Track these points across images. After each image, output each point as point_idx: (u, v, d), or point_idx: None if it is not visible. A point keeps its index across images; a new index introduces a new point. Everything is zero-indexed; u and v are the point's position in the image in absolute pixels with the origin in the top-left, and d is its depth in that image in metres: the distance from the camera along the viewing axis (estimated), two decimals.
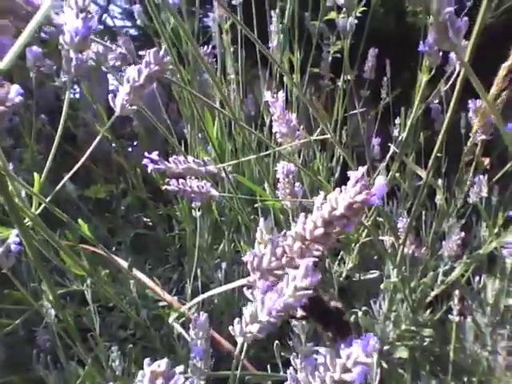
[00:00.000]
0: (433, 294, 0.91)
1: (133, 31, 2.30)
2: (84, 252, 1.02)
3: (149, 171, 0.64)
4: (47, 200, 0.61)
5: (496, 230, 1.05)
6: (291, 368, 0.47)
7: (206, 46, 1.01)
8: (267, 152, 0.94)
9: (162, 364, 0.29)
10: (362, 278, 1.18)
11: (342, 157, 1.34)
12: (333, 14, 1.75)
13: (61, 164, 1.40)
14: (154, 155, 0.64)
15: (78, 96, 1.75)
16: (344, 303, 1.15)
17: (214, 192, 0.67)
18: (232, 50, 1.17)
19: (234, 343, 0.88)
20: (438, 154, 1.34)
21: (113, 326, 1.13)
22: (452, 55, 1.06)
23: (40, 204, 0.57)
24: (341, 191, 0.34)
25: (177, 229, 1.32)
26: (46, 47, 1.30)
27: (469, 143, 0.93)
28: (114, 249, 1.31)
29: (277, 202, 0.76)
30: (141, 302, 1.04)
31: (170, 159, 0.65)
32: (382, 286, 0.85)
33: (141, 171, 1.34)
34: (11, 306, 0.93)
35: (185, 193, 0.66)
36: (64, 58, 0.52)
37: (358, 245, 1.10)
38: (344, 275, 1.19)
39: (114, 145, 1.40)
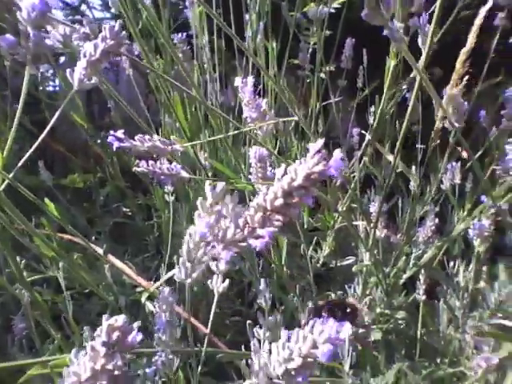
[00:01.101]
0: (405, 276, 0.93)
1: (113, 23, 2.28)
2: (62, 240, 1.03)
3: (114, 149, 0.64)
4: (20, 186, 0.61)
5: (466, 214, 1.07)
6: (255, 339, 0.48)
7: (179, 34, 1.02)
8: (234, 132, 0.95)
9: (119, 319, 0.30)
10: (338, 264, 1.20)
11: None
12: (311, 5, 1.76)
13: (38, 154, 1.40)
14: (120, 133, 0.64)
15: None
16: (321, 289, 1.17)
17: (183, 174, 0.67)
18: (208, 39, 1.17)
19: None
20: (420, 146, 1.37)
21: (91, 313, 1.13)
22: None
23: (3, 180, 0.57)
24: (300, 163, 0.35)
25: (155, 217, 1.33)
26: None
27: (435, 128, 0.95)
28: (93, 238, 1.32)
29: (248, 185, 0.77)
30: (118, 289, 1.05)
31: (136, 137, 0.65)
32: (353, 269, 0.87)
33: (118, 161, 1.35)
34: None
35: (154, 174, 0.67)
36: (21, 34, 0.53)
37: (333, 231, 1.12)
38: (321, 261, 1.20)
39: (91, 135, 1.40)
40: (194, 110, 1.11)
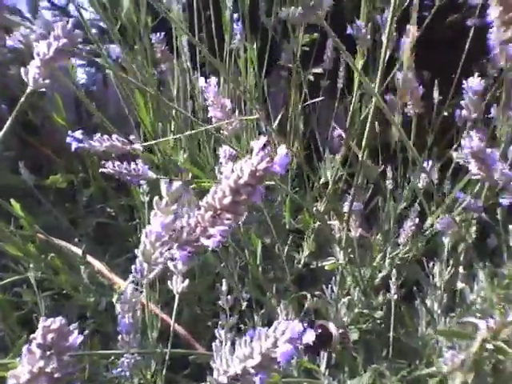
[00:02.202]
0: (380, 275, 0.93)
1: (102, 24, 2.28)
2: (40, 241, 1.03)
3: (72, 150, 0.65)
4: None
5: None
6: (217, 340, 0.48)
7: (158, 33, 1.02)
8: (198, 130, 0.95)
9: (56, 321, 0.30)
10: (319, 264, 1.20)
11: (298, 147, 1.36)
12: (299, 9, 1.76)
13: (22, 154, 1.41)
14: (78, 134, 0.65)
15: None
16: (302, 290, 1.17)
17: (150, 174, 0.68)
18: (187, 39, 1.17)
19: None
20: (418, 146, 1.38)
21: (70, 315, 1.13)
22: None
23: None
24: (246, 161, 0.36)
25: (137, 218, 1.33)
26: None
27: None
28: (76, 240, 1.31)
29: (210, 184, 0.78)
30: (98, 290, 1.05)
31: (94, 137, 0.66)
32: (326, 267, 0.87)
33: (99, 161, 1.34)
34: None
35: (120, 175, 0.67)
36: None
37: (313, 231, 1.12)
38: (302, 262, 1.21)
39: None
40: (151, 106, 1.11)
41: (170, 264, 0.51)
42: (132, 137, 0.70)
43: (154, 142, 0.82)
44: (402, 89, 0.85)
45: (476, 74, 0.86)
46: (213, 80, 0.72)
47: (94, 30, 1.40)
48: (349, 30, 0.73)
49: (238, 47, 1.15)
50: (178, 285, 0.54)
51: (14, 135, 1.47)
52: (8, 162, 1.36)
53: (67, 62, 0.50)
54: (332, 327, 0.66)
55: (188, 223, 0.40)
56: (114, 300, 0.75)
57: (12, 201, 0.71)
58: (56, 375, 0.30)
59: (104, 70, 1.95)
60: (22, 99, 0.50)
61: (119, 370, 0.60)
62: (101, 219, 1.43)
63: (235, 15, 1.16)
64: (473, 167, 0.66)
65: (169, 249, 0.43)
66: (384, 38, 0.60)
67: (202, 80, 0.72)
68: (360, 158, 0.73)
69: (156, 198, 0.39)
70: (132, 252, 1.41)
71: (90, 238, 1.36)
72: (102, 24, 2.43)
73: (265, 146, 0.36)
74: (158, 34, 1.01)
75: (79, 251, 0.96)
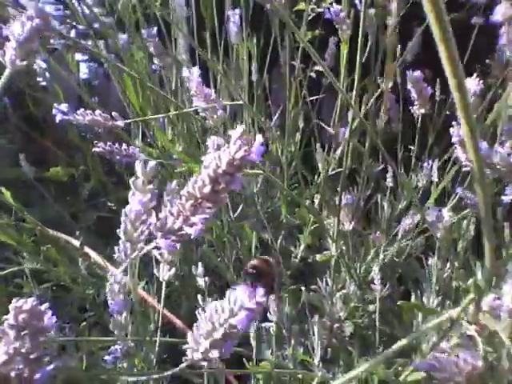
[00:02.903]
0: (374, 268, 0.93)
1: (104, 18, 2.29)
2: (40, 233, 1.04)
3: (57, 121, 0.67)
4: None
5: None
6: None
7: (151, 28, 1.03)
8: (176, 112, 0.96)
9: (28, 301, 0.31)
10: (315, 259, 1.21)
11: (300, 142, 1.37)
12: (302, 5, 1.77)
13: (24, 148, 1.42)
14: (63, 107, 0.67)
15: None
16: (298, 283, 1.18)
17: (142, 156, 0.69)
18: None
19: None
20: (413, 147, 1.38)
21: (68, 307, 1.14)
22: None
23: None
24: (224, 150, 0.36)
25: None
26: None
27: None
28: (77, 233, 1.33)
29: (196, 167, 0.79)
30: (96, 282, 1.06)
31: (78, 111, 0.68)
32: (317, 259, 0.88)
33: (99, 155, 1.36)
34: None
35: (112, 155, 0.69)
36: None
37: (309, 225, 1.13)
38: (299, 256, 1.21)
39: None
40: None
41: (156, 253, 0.52)
42: (114, 113, 0.71)
43: (138, 119, 0.83)
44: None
45: (475, 75, 0.85)
46: (195, 70, 0.73)
47: (96, 25, 1.41)
48: (327, 15, 0.74)
49: (237, 42, 1.15)
50: (164, 272, 0.55)
51: (16, 129, 1.48)
52: (11, 155, 1.37)
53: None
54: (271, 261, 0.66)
55: (170, 212, 0.41)
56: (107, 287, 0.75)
57: (2, 189, 0.72)
58: (32, 356, 0.31)
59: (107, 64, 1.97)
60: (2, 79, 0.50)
61: (112, 356, 0.61)
62: (102, 213, 1.44)
63: (236, 10, 1.16)
64: (461, 156, 0.66)
65: (153, 237, 0.44)
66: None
67: (185, 70, 0.74)
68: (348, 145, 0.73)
69: (132, 178, 0.40)
70: None
71: (90, 232, 1.37)
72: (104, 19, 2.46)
73: (241, 134, 0.37)
74: (151, 28, 1.03)
75: (78, 243, 0.97)
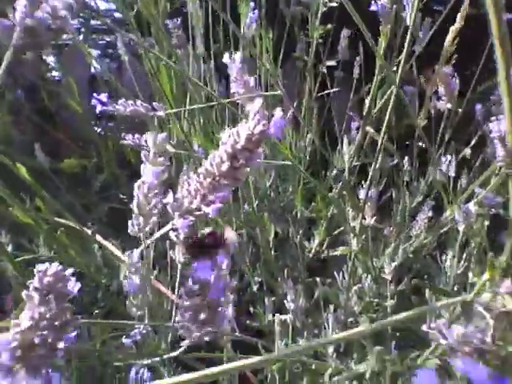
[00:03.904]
0: (393, 265, 0.93)
1: (117, 14, 2.29)
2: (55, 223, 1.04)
3: (97, 112, 0.67)
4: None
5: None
6: None
7: (175, 19, 1.03)
8: (213, 103, 0.96)
9: (52, 266, 0.31)
10: (331, 253, 1.20)
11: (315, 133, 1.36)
12: None
13: (37, 140, 1.42)
14: (103, 96, 0.66)
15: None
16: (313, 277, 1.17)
17: (169, 148, 0.69)
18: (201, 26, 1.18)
19: None
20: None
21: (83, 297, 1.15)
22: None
23: None
24: (242, 125, 0.36)
25: None
26: None
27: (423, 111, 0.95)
28: (90, 224, 1.33)
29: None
30: (108, 271, 1.06)
31: (119, 102, 0.68)
32: (338, 253, 0.87)
33: (113, 147, 1.36)
34: None
35: (139, 147, 0.69)
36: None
37: (326, 219, 1.12)
38: (313, 251, 1.21)
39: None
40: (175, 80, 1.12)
41: (172, 234, 0.52)
42: (156, 104, 0.71)
43: (175, 110, 0.83)
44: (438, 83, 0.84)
45: None
46: (237, 56, 0.72)
47: (107, 20, 1.41)
48: (373, 7, 0.73)
49: (254, 36, 1.15)
50: (180, 255, 0.54)
51: (29, 121, 1.49)
52: (23, 146, 1.38)
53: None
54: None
55: (188, 191, 0.40)
56: (121, 275, 0.75)
57: (18, 165, 0.73)
58: (56, 322, 0.30)
59: (119, 59, 1.98)
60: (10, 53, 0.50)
61: (130, 340, 0.61)
62: (113, 204, 1.44)
63: (251, 4, 1.16)
64: (500, 153, 0.65)
65: (170, 219, 0.43)
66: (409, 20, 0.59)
67: (226, 56, 0.73)
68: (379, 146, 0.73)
69: (143, 152, 0.40)
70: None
71: (102, 223, 1.37)
72: (116, 15, 2.46)
73: (260, 109, 0.36)
74: (175, 19, 1.03)
75: (90, 232, 0.97)
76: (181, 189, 0.42)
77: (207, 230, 0.41)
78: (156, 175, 0.40)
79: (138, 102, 0.72)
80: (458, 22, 0.83)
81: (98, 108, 0.70)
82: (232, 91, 0.75)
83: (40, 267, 0.31)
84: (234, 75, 0.74)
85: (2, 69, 0.50)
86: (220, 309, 0.35)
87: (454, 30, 0.82)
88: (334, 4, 1.73)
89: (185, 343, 0.38)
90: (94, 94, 0.72)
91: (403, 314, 0.45)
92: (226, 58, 0.74)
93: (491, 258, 0.43)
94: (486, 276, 0.44)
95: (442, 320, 0.41)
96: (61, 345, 0.30)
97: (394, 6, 0.89)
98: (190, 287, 0.36)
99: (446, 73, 0.87)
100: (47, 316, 0.30)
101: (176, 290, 0.55)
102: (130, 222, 0.45)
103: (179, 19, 1.04)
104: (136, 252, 0.53)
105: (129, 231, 0.45)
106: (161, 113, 0.69)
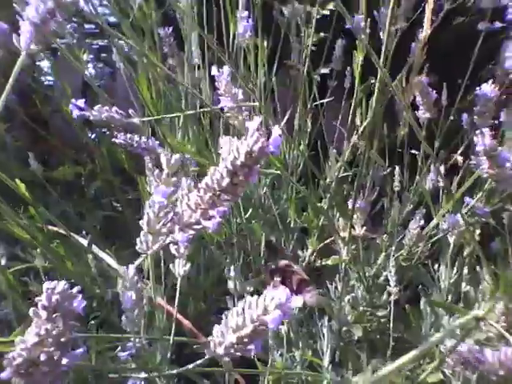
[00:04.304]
0: (384, 274, 0.94)
1: (112, 19, 2.29)
2: (51, 233, 1.04)
3: (74, 117, 0.67)
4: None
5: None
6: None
7: (166, 28, 1.04)
8: (200, 110, 0.97)
9: (60, 284, 0.31)
10: (323, 263, 1.21)
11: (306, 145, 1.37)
12: (308, 7, 1.77)
13: (31, 147, 1.42)
14: (80, 102, 0.67)
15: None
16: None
17: (159, 150, 0.70)
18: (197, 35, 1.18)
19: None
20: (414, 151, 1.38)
21: None
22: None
23: None
24: (241, 142, 0.36)
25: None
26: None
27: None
28: (84, 232, 1.33)
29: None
30: (103, 281, 1.06)
31: (95, 107, 0.69)
32: (329, 262, 0.88)
33: (109, 155, 1.36)
34: None
35: (131, 147, 0.70)
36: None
37: (317, 228, 1.13)
38: (306, 260, 1.21)
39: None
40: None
41: (172, 248, 0.52)
42: (131, 111, 0.72)
43: (152, 118, 0.84)
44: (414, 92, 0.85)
45: (490, 81, 0.85)
46: (226, 69, 0.73)
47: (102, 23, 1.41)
48: (348, 25, 0.74)
49: (248, 44, 1.16)
50: (180, 268, 0.55)
51: (22, 127, 1.49)
52: (16, 153, 1.38)
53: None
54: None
55: (188, 205, 0.41)
56: (118, 287, 0.75)
57: (17, 181, 0.72)
58: (62, 339, 0.31)
59: (113, 64, 1.99)
60: (17, 66, 0.50)
61: (126, 353, 0.61)
62: (108, 212, 1.44)
63: (245, 12, 1.16)
64: (484, 165, 0.67)
65: (170, 232, 0.44)
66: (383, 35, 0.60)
67: (214, 69, 0.74)
68: (367, 155, 0.74)
69: (156, 170, 0.40)
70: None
71: (96, 231, 1.37)
72: (109, 19, 2.45)
73: (259, 126, 0.37)
74: (167, 28, 1.04)
75: (85, 242, 0.97)
76: (181, 203, 0.42)
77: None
78: (167, 195, 0.41)
79: (114, 109, 0.73)
80: (425, 31, 0.84)
81: (75, 113, 0.71)
82: (220, 105, 0.76)
83: (48, 285, 0.31)
84: (222, 89, 0.75)
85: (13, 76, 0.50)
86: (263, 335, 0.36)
87: (423, 39, 0.84)
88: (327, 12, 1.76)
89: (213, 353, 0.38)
90: (72, 100, 0.72)
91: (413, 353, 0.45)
92: (214, 71, 0.75)
93: (504, 274, 0.43)
94: (500, 293, 0.44)
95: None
96: (65, 361, 0.30)
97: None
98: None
99: (422, 82, 0.88)
100: (53, 333, 0.30)
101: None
102: (138, 240, 0.45)
103: (170, 28, 1.05)
104: (132, 267, 0.53)
105: (137, 248, 0.45)
106: (136, 120, 0.70)
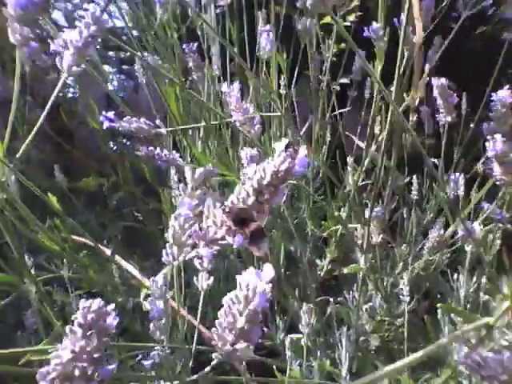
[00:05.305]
0: (401, 282, 0.94)
1: (134, 32, 2.33)
2: (75, 243, 1.06)
3: (104, 128, 0.70)
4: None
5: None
6: None
7: (190, 44, 1.06)
8: (219, 122, 0.99)
9: (95, 302, 0.32)
10: (341, 272, 1.21)
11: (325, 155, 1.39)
12: (328, 19, 1.79)
13: (56, 159, 1.45)
14: (110, 114, 0.70)
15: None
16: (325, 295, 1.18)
17: (180, 161, 0.72)
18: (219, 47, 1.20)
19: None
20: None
21: None
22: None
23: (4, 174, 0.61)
24: (268, 162, 0.38)
25: (165, 222, 1.36)
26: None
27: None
28: (105, 242, 1.35)
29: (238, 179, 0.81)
30: (125, 290, 1.08)
31: (124, 119, 0.71)
32: (345, 271, 0.89)
33: (131, 166, 1.39)
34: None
35: (153, 159, 0.72)
36: (10, 29, 0.57)
37: (336, 237, 1.13)
38: (325, 269, 1.22)
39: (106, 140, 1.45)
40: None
41: (196, 262, 0.54)
42: (158, 121, 0.74)
43: (179, 128, 0.86)
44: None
45: (507, 86, 0.85)
46: (236, 85, 0.75)
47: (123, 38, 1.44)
48: (366, 33, 0.75)
49: (269, 57, 1.18)
50: (203, 282, 0.56)
51: (47, 140, 1.52)
52: (41, 165, 1.41)
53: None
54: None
55: (214, 222, 0.42)
56: (141, 297, 0.77)
57: (49, 194, 0.75)
58: (96, 355, 0.32)
59: (135, 77, 2.02)
60: (57, 89, 0.52)
61: (150, 361, 0.62)
62: (129, 223, 1.47)
63: (267, 26, 1.18)
64: (496, 171, 0.67)
65: (195, 246, 0.45)
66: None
67: (224, 85, 0.76)
68: (383, 166, 0.75)
69: (181, 184, 0.42)
70: (159, 256, 1.43)
71: (118, 241, 1.39)
72: (131, 32, 2.49)
73: (286, 147, 0.38)
74: (191, 44, 1.06)
75: (109, 252, 0.99)
76: (206, 219, 0.44)
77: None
78: (192, 208, 0.42)
79: (142, 120, 0.75)
80: (418, 34, 0.84)
81: (106, 124, 0.74)
82: (232, 119, 0.78)
83: (84, 303, 0.32)
84: (233, 104, 0.77)
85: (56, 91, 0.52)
86: (259, 322, 0.37)
87: (417, 42, 0.84)
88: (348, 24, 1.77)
89: (215, 358, 0.39)
90: (103, 112, 0.75)
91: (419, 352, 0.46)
92: (224, 87, 0.77)
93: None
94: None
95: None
96: (97, 376, 0.32)
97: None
98: (236, 295, 0.37)
99: (443, 84, 0.88)
100: (88, 349, 0.32)
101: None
102: (164, 251, 0.47)
103: (195, 44, 1.07)
104: (160, 276, 0.55)
105: (163, 260, 0.47)
106: (163, 131, 0.73)
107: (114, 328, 0.34)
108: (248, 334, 0.36)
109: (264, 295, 0.35)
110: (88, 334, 0.32)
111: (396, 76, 0.60)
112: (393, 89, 0.68)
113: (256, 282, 0.35)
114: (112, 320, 0.33)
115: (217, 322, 0.37)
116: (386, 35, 0.85)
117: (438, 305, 0.98)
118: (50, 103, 0.53)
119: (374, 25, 0.74)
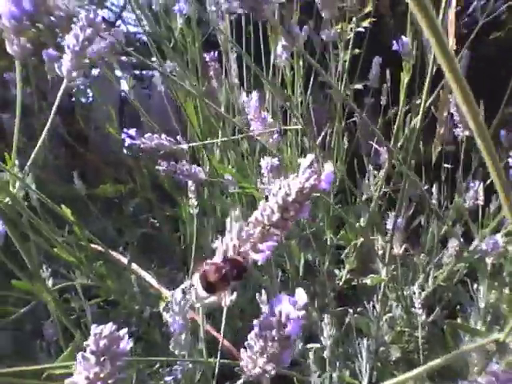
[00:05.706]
0: (423, 294, 0.93)
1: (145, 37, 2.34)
2: (92, 251, 1.06)
3: (125, 145, 0.70)
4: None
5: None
6: None
7: (211, 53, 1.05)
8: (241, 136, 0.99)
9: (106, 327, 0.32)
10: (360, 281, 1.20)
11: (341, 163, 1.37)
12: (340, 25, 1.78)
13: (72, 164, 1.46)
14: (132, 131, 0.70)
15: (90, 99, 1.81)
16: (343, 306, 1.17)
17: (201, 175, 0.71)
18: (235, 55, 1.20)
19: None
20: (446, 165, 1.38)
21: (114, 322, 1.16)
22: None
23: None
24: (293, 178, 0.37)
25: (181, 229, 1.36)
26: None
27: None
28: (121, 248, 1.35)
29: (256, 191, 0.80)
30: (142, 298, 1.08)
31: (145, 135, 0.71)
32: (368, 282, 0.88)
33: (148, 173, 1.39)
34: (18, 295, 0.97)
35: (175, 174, 0.72)
36: (7, 41, 0.56)
37: (354, 247, 1.12)
38: (343, 279, 1.21)
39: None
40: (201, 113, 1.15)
41: None
42: (178, 137, 0.74)
43: (200, 143, 0.85)
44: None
45: None
46: (254, 95, 0.74)
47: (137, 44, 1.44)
48: (395, 46, 0.75)
49: (285, 65, 1.17)
50: (227, 298, 0.56)
51: (62, 145, 1.53)
52: (57, 170, 1.41)
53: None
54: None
55: (238, 238, 0.41)
56: (160, 308, 0.77)
57: (63, 206, 0.75)
58: (110, 381, 0.32)
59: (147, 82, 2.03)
60: (60, 92, 0.52)
61: (171, 377, 0.62)
62: (146, 229, 1.47)
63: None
64: None
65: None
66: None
67: (243, 95, 0.75)
68: (404, 174, 0.73)
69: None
70: (175, 263, 1.43)
71: (134, 248, 1.39)
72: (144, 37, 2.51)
73: (311, 163, 0.37)
74: (212, 52, 1.06)
75: (125, 260, 0.99)
76: (229, 235, 0.43)
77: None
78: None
79: (163, 136, 0.75)
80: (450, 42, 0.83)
81: (127, 142, 0.74)
82: (251, 129, 0.77)
83: (96, 329, 0.32)
84: (251, 114, 0.76)
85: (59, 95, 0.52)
86: (289, 347, 0.36)
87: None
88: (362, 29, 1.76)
89: (242, 377, 0.38)
90: (124, 129, 0.75)
91: (437, 360, 0.45)
92: (243, 97, 0.77)
93: None
94: None
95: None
96: None
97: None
98: (269, 320, 0.36)
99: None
100: (102, 376, 0.31)
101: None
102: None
103: (215, 52, 1.07)
104: (179, 291, 0.54)
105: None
106: (185, 146, 0.72)
107: (127, 353, 0.33)
108: (279, 357, 0.35)
109: (298, 321, 0.34)
110: (101, 360, 0.31)
111: (425, 91, 0.59)
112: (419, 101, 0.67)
113: (289, 308, 0.35)
114: (125, 344, 0.33)
115: (247, 344, 0.37)
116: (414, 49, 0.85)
117: (446, 321, 0.97)
118: (54, 108, 0.53)
119: (404, 39, 0.73)
